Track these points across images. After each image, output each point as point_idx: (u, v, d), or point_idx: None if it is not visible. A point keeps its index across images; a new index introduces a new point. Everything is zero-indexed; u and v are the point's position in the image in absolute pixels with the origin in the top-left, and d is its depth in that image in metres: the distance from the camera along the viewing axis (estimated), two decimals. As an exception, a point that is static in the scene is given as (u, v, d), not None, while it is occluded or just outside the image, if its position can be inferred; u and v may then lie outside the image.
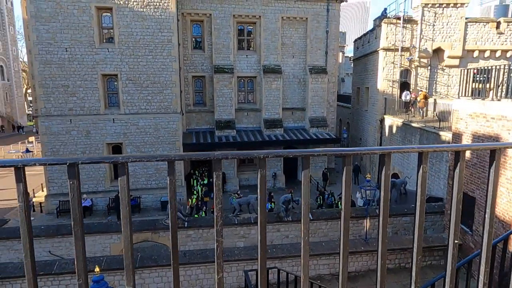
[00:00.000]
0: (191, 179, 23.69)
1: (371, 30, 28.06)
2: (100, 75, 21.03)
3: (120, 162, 1.35)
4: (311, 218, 14.44)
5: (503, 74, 10.82)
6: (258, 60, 25.40)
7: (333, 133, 27.14)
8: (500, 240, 5.17)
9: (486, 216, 1.85)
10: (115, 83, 21.61)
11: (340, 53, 49.72)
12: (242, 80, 26.00)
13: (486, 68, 12.18)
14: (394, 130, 23.41)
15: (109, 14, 20.89)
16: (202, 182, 22.94)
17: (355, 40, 32.83)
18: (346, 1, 26.56)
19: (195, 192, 21.87)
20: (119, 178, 1.36)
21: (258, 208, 1.55)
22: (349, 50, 57.80)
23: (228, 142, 23.87)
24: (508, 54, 24.99)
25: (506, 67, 10.90)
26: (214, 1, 23.90)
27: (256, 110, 26.07)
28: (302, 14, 25.11)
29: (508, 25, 25.12)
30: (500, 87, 11.03)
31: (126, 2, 20.60)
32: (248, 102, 26.48)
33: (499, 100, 10.67)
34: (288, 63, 25.88)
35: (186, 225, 14.07)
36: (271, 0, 24.40)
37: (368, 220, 13.64)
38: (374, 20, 30.05)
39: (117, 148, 22.11)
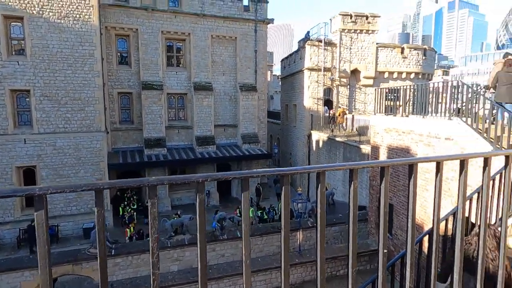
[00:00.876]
0: (120, 208, 21.82)
1: (296, 51, 29.87)
2: (8, 91, 18.74)
3: (37, 195, 1.17)
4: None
5: (409, 94, 12.30)
6: (188, 77, 25.17)
7: (265, 148, 27.85)
8: (417, 242, 5.72)
9: (409, 224, 2.02)
10: (27, 99, 19.44)
11: (269, 72, 51.88)
12: (172, 97, 25.43)
13: (395, 88, 13.72)
14: (321, 144, 24.89)
15: (19, 24, 18.91)
16: (130, 208, 21.34)
17: (282, 60, 34.58)
18: (273, 23, 27.95)
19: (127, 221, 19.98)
20: (35, 213, 1.18)
21: (198, 234, 1.48)
22: (277, 69, 60.67)
23: (158, 161, 22.92)
24: (412, 76, 28.56)
25: (411, 87, 12.40)
26: (141, 16, 23.24)
27: (187, 127, 25.63)
28: (231, 33, 25.70)
29: (410, 50, 28.83)
30: (407, 105, 12.50)
31: (40, 12, 18.88)
32: (179, 119, 25.94)
33: (407, 116, 12.05)
34: (219, 80, 26.10)
35: (113, 253, 12.98)
36: (200, 18, 24.57)
37: (301, 232, 14.10)
38: (298, 42, 32.07)
39: (29, 172, 19.71)
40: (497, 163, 3.52)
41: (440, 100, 10.85)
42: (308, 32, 29.50)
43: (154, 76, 23.98)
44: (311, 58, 26.64)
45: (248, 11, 25.93)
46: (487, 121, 8.91)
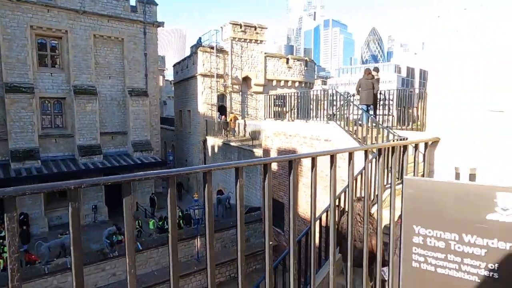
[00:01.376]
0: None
1: (189, 56, 29.65)
2: None
3: None
4: (140, 248, 13.57)
5: (294, 100, 13.49)
6: (67, 79, 22.44)
7: (159, 156, 26.73)
8: (302, 236, 6.24)
9: (291, 217, 2.20)
10: None
11: (161, 77, 50.16)
12: (47, 102, 22.30)
13: (282, 94, 14.89)
14: (216, 149, 25.18)
15: None
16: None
17: (175, 65, 33.86)
18: (163, 27, 27.18)
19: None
20: None
21: (72, 252, 1.32)
22: (169, 74, 59.05)
23: (30, 176, 19.73)
24: (296, 84, 31.35)
25: (295, 94, 13.62)
26: (3, 7, 19.78)
27: (67, 135, 22.78)
28: (117, 34, 23.97)
29: (294, 61, 31.63)
30: (292, 110, 13.69)
31: None
32: (57, 127, 22.89)
33: (293, 120, 13.18)
34: (104, 84, 24.01)
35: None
36: (79, 15, 22.23)
37: (199, 239, 13.96)
38: (191, 47, 31.90)
39: None
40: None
41: (320, 106, 12.23)
42: (200, 38, 29.63)
43: (22, 77, 20.63)
44: (203, 64, 26.79)
45: (136, 12, 24.63)
46: (358, 123, 10.45)
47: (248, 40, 28.44)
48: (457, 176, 2.17)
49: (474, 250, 1.22)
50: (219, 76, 27.32)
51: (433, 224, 1.30)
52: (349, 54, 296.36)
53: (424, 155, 3.14)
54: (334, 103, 11.51)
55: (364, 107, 10.91)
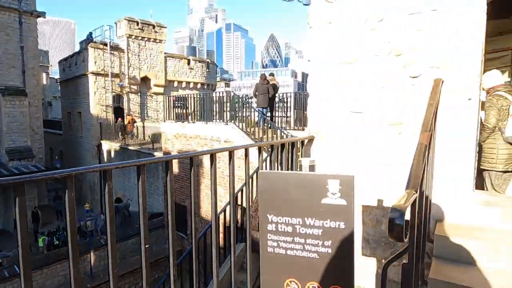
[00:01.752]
0: None
1: (78, 53, 26.83)
2: None
3: None
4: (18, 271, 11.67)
5: (195, 102, 13.41)
6: None
7: (42, 164, 23.47)
8: (202, 235, 6.22)
9: (192, 209, 2.18)
10: None
11: (44, 74, 44.17)
12: None
13: (183, 96, 14.65)
14: (113, 154, 23.33)
15: None
16: None
17: (61, 61, 30.24)
18: (45, 17, 23.99)
19: None
20: None
21: None
22: (55, 71, 52.44)
23: None
24: (198, 86, 31.17)
25: (197, 96, 13.55)
26: None
27: None
28: (-18, 21, 20.28)
29: (195, 62, 31.39)
30: (194, 112, 13.59)
31: None
32: None
33: (194, 122, 13.07)
34: (-34, 80, 20.03)
35: None
36: None
37: (92, 253, 12.73)
38: (80, 43, 28.92)
39: None
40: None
41: (220, 108, 12.41)
42: (90, 33, 27.04)
43: None
44: (96, 62, 24.56)
45: (8, -2, 21.22)
46: (256, 125, 10.96)
47: (146, 39, 27.13)
48: (312, 168, 2.47)
49: (314, 231, 1.42)
50: (114, 75, 25.37)
51: (282, 212, 1.46)
52: (250, 58, 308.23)
53: (301, 152, 3.45)
54: (233, 105, 11.86)
55: (261, 109, 11.62)
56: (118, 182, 21.87)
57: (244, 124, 11.11)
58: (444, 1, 2.78)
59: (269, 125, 10.67)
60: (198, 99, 13.47)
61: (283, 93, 13.96)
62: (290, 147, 3.56)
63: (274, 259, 1.48)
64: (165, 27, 28.55)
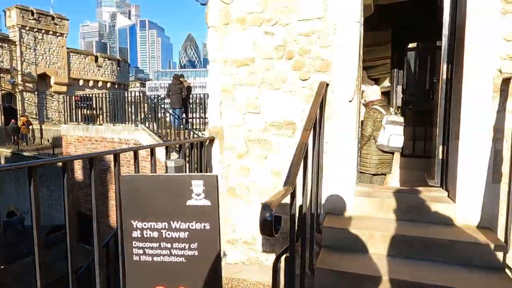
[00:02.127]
0: None
1: (-46, 43, 22.67)
2: None
3: None
4: None
5: (103, 102, 12.40)
6: None
7: None
8: (106, 242, 5.74)
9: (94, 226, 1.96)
10: None
11: None
12: None
13: (87, 95, 13.42)
14: (3, 162, 20.25)
15: None
16: None
17: None
18: None
19: None
20: None
21: None
22: None
23: None
24: (108, 85, 28.97)
25: (104, 96, 12.53)
26: None
27: None
28: None
29: (104, 60, 29.11)
30: (101, 113, 12.56)
31: None
32: None
33: (101, 124, 12.08)
34: None
35: None
36: None
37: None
38: (-44, 32, 24.46)
39: None
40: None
41: (129, 109, 11.67)
42: (-30, 21, 23.11)
43: None
44: (-22, 55, 21.08)
45: None
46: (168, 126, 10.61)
47: (44, 31, 24.24)
48: (179, 169, 2.49)
49: (180, 234, 1.39)
50: (4, 71, 22.08)
51: (148, 216, 1.40)
52: (168, 57, 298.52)
53: (201, 152, 3.41)
54: (144, 106, 11.34)
55: (177, 110, 11.38)
56: (10, 193, 19.10)
57: (156, 126, 10.68)
58: (328, 11, 3.01)
59: (183, 127, 10.44)
60: (105, 99, 12.48)
61: (197, 94, 13.81)
62: (199, 146, 3.50)
63: (140, 267, 1.40)
64: (67, 19, 25.90)
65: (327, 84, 3.01)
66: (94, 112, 12.97)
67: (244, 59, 3.31)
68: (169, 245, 1.38)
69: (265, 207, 1.42)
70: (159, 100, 12.83)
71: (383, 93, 5.74)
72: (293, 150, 3.12)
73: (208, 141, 3.45)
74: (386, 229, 2.74)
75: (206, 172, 3.56)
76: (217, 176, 1.36)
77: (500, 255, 2.46)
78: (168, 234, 1.38)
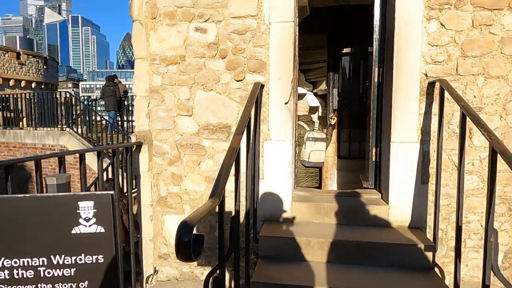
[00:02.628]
0: None
1: None
2: None
3: None
4: None
5: (21, 104, 11.10)
6: None
7: None
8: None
9: None
10: None
11: None
12: None
13: (4, 96, 11.98)
14: None
15: None
16: None
17: None
18: None
19: None
20: None
21: None
22: None
23: None
24: (34, 85, 26.23)
25: (23, 96, 11.22)
26: None
27: None
28: None
29: (28, 57, 26.31)
30: (23, 117, 11.28)
31: None
32: None
33: (21, 128, 10.81)
34: None
35: None
36: None
37: None
38: None
39: None
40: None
41: (55, 112, 10.57)
42: None
43: None
44: None
45: None
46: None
47: (-49, 22, 21.18)
48: (63, 188, 2.22)
49: (64, 271, 1.10)
50: None
51: (19, 251, 1.08)
52: (104, 57, 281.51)
53: (126, 159, 3.06)
54: (75, 108, 10.42)
55: (111, 113, 10.64)
56: None
57: (86, 129, 9.81)
58: (262, 9, 2.87)
59: (116, 130, 9.73)
60: (26, 100, 11.17)
61: (135, 96, 13.02)
62: (125, 153, 3.16)
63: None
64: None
65: (262, 85, 2.87)
66: (12, 114, 11.54)
67: (174, 57, 3.04)
68: (50, 286, 1.07)
69: (183, 225, 1.20)
70: (91, 102, 11.84)
71: (320, 96, 5.83)
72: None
73: (135, 146, 3.11)
74: (324, 235, 2.67)
75: (134, 182, 3.21)
76: (112, 195, 1.10)
77: (430, 254, 2.51)
78: (48, 273, 1.06)
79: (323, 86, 5.58)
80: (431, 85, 2.75)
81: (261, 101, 2.91)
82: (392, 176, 2.83)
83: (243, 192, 2.59)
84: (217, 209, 1.66)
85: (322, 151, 4.13)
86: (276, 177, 2.95)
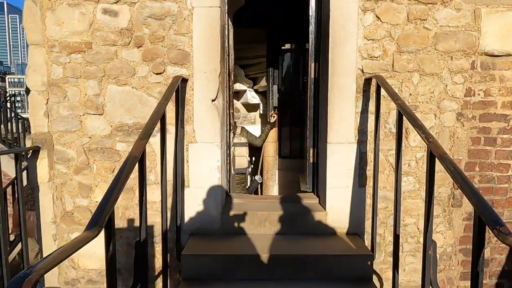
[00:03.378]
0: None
1: None
2: None
3: None
4: None
5: None
6: None
7: None
8: None
9: None
10: None
11: None
12: None
13: None
14: None
15: None
16: None
17: None
18: None
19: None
20: None
21: None
22: None
23: None
24: None
25: None
26: None
27: None
28: None
29: None
30: None
31: None
32: None
33: None
34: None
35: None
36: None
37: None
38: None
39: None
40: None
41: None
42: None
43: None
44: None
45: None
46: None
47: None
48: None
49: None
50: None
51: None
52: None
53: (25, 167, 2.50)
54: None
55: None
56: None
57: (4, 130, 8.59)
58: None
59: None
60: None
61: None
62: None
63: None
64: None
65: (184, 79, 2.49)
66: None
67: (79, 44, 2.53)
68: None
69: (19, 283, 0.80)
70: (8, 98, 10.46)
71: (260, 93, 5.57)
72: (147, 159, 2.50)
73: (30, 152, 2.56)
74: (257, 248, 2.38)
75: (29, 197, 2.65)
76: None
77: (368, 264, 2.34)
78: None
79: (263, 82, 5.33)
80: (368, 81, 2.58)
81: (184, 97, 2.53)
82: (329, 179, 2.62)
83: (168, 201, 2.20)
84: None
85: (244, 156, 3.91)
86: (204, 184, 2.59)
